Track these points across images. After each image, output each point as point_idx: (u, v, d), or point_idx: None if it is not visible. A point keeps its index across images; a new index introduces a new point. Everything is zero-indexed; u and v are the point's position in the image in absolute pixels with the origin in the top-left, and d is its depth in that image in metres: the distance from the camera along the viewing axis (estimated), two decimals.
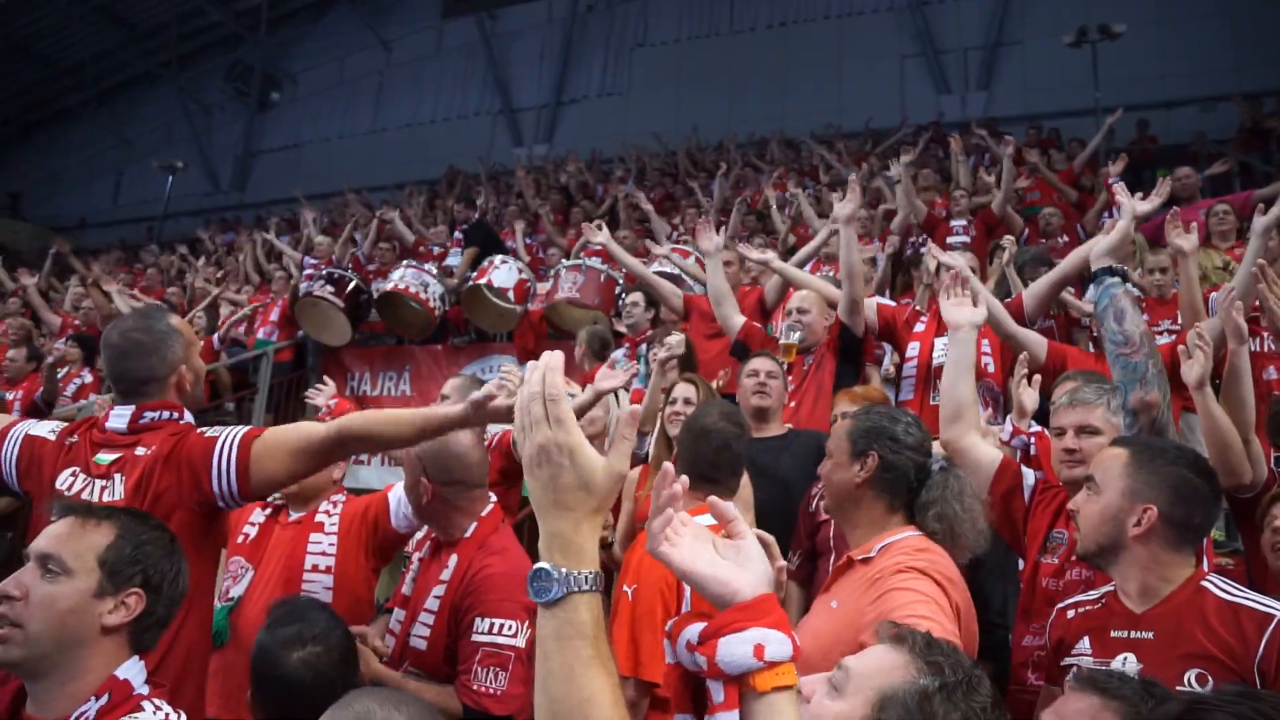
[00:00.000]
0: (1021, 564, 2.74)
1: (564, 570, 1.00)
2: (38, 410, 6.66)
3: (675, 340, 4.04)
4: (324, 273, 7.84)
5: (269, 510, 2.92)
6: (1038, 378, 3.31)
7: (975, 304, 2.67)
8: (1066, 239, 7.09)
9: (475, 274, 7.33)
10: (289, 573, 2.72)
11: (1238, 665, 1.72)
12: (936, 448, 2.22)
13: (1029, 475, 2.64)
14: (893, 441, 2.07)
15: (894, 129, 12.58)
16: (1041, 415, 3.15)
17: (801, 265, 5.44)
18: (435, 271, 7.59)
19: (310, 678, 1.90)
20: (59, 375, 6.83)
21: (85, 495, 2.12)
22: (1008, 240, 5.45)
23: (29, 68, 19.19)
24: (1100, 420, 2.48)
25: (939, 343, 4.16)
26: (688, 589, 2.25)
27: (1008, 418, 3.26)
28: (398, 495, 2.80)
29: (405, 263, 7.81)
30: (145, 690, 1.59)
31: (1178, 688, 1.68)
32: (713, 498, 1.17)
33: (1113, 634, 1.89)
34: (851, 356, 4.25)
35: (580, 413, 3.86)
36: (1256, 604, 1.79)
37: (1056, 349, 3.69)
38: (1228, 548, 4.07)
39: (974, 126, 10.71)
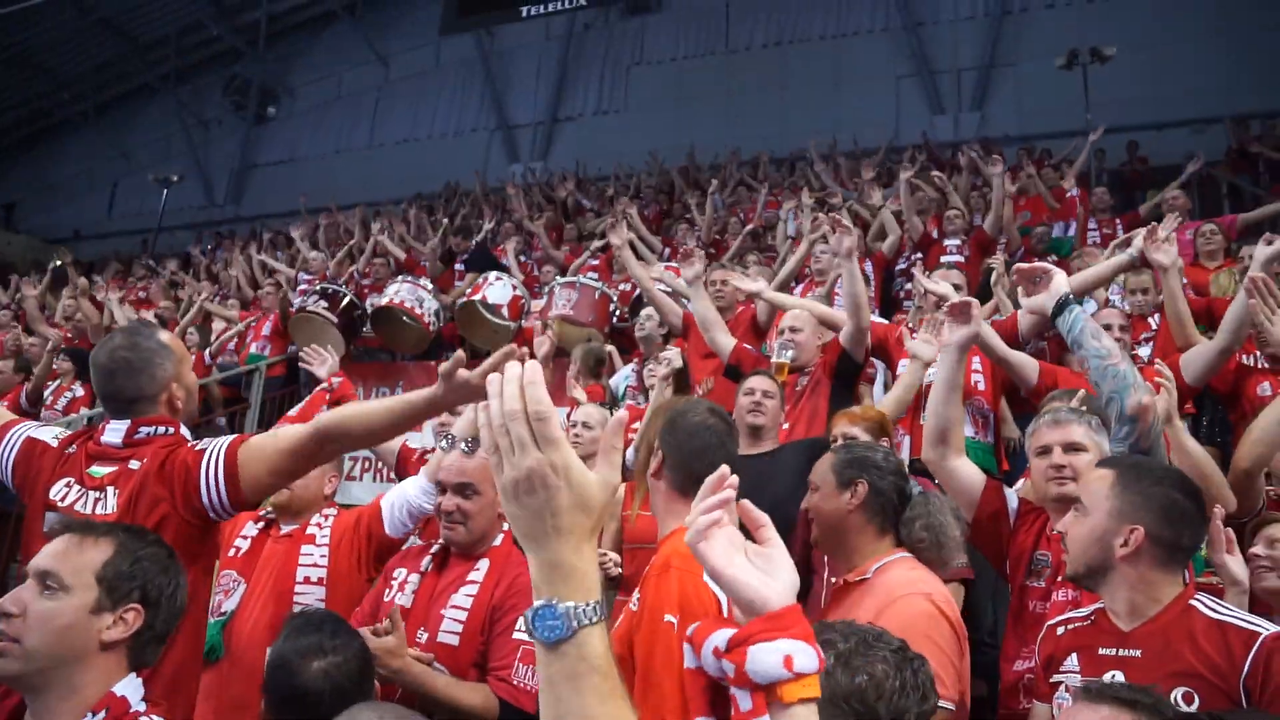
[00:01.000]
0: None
1: (571, 605, 0.93)
2: (23, 413, 6.69)
3: (673, 354, 4.07)
4: (318, 288, 7.85)
5: (261, 524, 2.92)
6: None
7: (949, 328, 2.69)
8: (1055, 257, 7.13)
9: (470, 290, 7.34)
10: (281, 586, 2.71)
11: (1225, 683, 1.73)
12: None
13: (1012, 498, 2.65)
14: (877, 469, 2.19)
15: (891, 148, 12.66)
16: None
17: (784, 285, 5.46)
18: (430, 287, 7.61)
19: (328, 688, 1.91)
20: (50, 387, 6.85)
21: (79, 507, 2.12)
22: (996, 261, 5.48)
23: (29, 79, 19.28)
24: (1082, 436, 2.49)
25: (933, 369, 4.18)
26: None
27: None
28: (390, 502, 2.81)
29: (400, 278, 7.83)
30: (143, 707, 1.60)
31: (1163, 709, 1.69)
32: (745, 501, 1.13)
33: (1101, 651, 1.90)
34: (847, 380, 4.25)
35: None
36: (1243, 623, 1.81)
37: (1048, 370, 3.71)
38: None
39: (963, 149, 10.80)
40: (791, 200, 9.19)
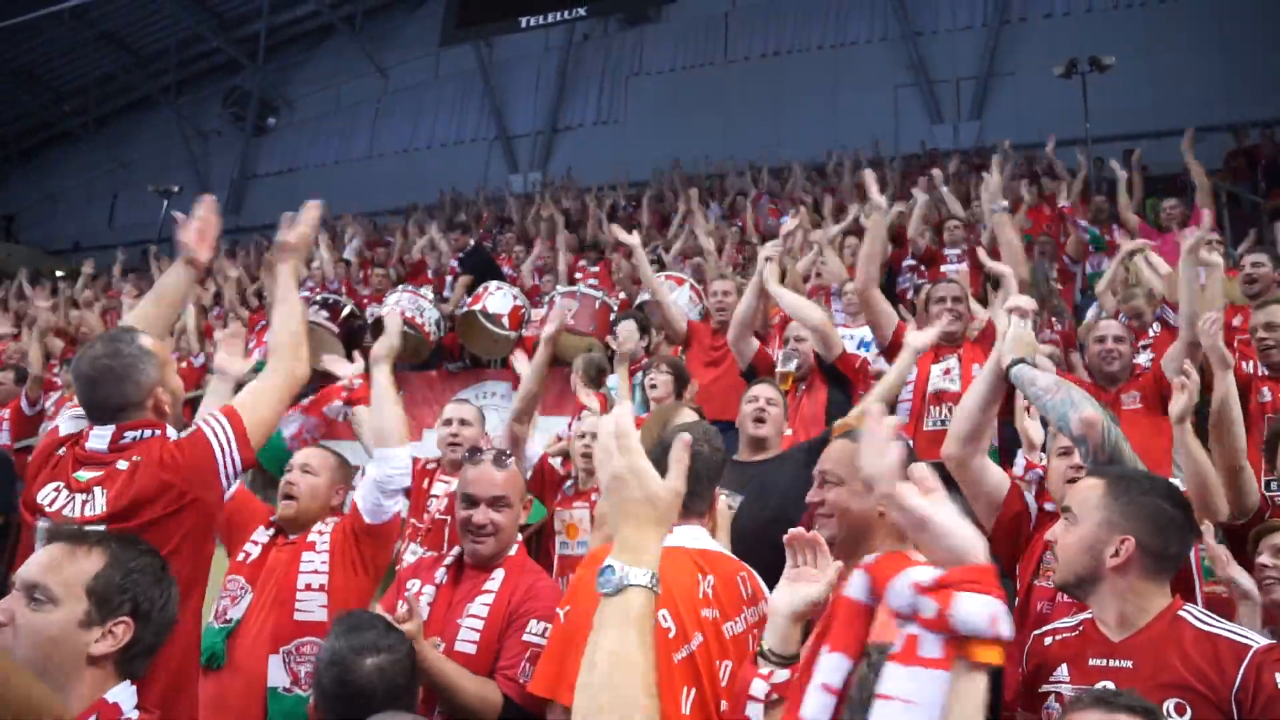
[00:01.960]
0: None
1: (625, 566, 1.16)
2: (25, 418, 6.71)
3: (691, 392, 4.14)
4: (318, 298, 7.84)
5: (271, 530, 2.92)
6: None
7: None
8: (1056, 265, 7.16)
9: (470, 300, 7.34)
10: (283, 594, 2.71)
11: (1215, 696, 1.73)
12: None
13: (1032, 502, 2.68)
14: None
15: (890, 158, 12.70)
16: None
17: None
18: (431, 297, 7.61)
19: (381, 685, 1.95)
20: (49, 402, 6.86)
21: (66, 511, 2.12)
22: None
23: (30, 92, 19.33)
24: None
25: (935, 369, 4.19)
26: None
27: (1019, 452, 3.27)
28: (359, 494, 2.82)
29: (401, 288, 7.83)
30: (135, 715, 1.57)
31: None
32: (917, 464, 1.15)
33: (1091, 662, 1.89)
34: (840, 383, 4.25)
35: None
36: (1234, 635, 1.81)
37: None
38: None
39: (970, 155, 10.83)
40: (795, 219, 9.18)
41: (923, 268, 7.19)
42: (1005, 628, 0.92)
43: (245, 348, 3.44)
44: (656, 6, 16.83)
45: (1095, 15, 14.16)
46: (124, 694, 1.58)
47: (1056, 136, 9.82)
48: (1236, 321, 4.61)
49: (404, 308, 7.38)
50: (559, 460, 4.25)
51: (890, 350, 4.34)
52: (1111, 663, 1.86)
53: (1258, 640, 1.78)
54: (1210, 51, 13.22)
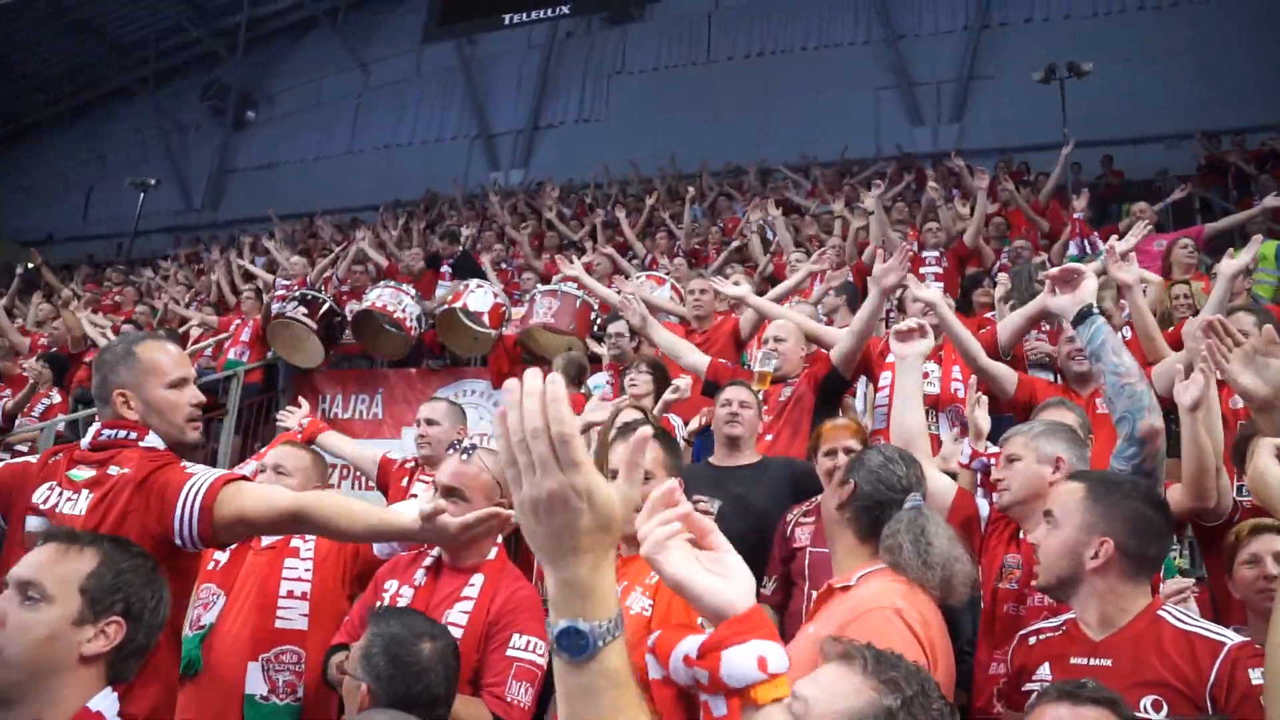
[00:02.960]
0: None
1: (595, 624, 0.93)
2: None
3: (684, 384, 4.11)
4: (296, 294, 7.78)
5: None
6: (986, 399, 3.35)
7: (935, 334, 2.72)
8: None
9: (450, 297, 7.31)
10: (264, 599, 2.68)
11: (1191, 692, 1.77)
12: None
13: (983, 505, 2.71)
14: (870, 472, 2.17)
15: (869, 160, 12.79)
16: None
17: (778, 301, 5.48)
18: (413, 293, 7.57)
19: (441, 669, 1.98)
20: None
21: (56, 508, 2.12)
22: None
23: (3, 81, 19.00)
24: (1019, 448, 2.52)
25: None
26: None
27: (965, 441, 3.31)
28: None
29: (383, 283, 7.79)
30: None
31: (1135, 714, 1.72)
32: (690, 510, 1.09)
33: (1072, 661, 1.93)
34: (832, 398, 4.26)
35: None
36: (1209, 633, 1.85)
37: (1026, 381, 3.75)
38: (1193, 575, 4.11)
39: (952, 156, 10.90)
40: (758, 211, 9.24)
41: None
42: (776, 663, 0.96)
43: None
44: (640, 5, 16.82)
45: (1074, 21, 14.30)
46: (106, 702, 1.58)
47: (1034, 140, 9.92)
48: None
49: (385, 302, 7.35)
50: None
51: (861, 363, 4.39)
52: (1092, 661, 1.90)
53: (1232, 637, 1.83)
54: (1189, 58, 13.40)
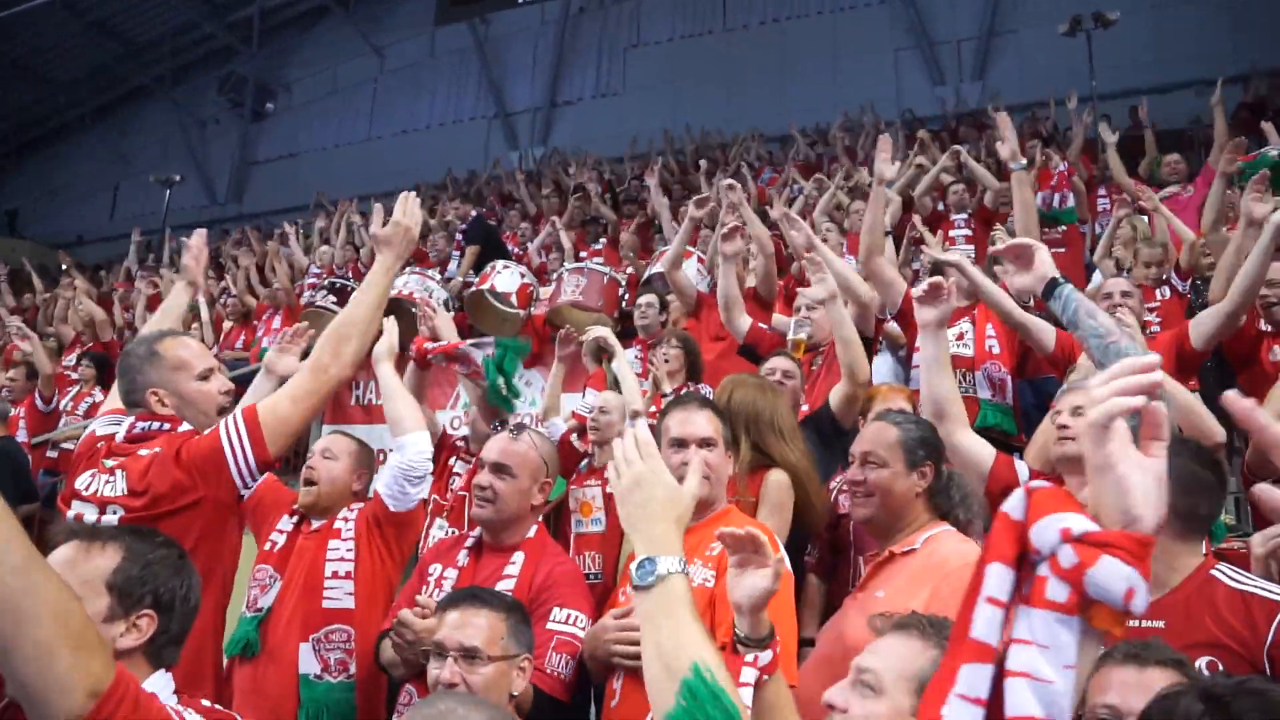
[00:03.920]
0: None
1: (661, 558, 1.28)
2: (40, 415, 6.78)
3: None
4: (326, 282, 7.84)
5: (296, 519, 2.94)
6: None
7: (972, 294, 2.70)
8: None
9: (478, 279, 7.33)
10: (311, 580, 2.73)
11: (1248, 653, 1.74)
12: None
13: (1023, 469, 2.67)
14: (937, 450, 2.26)
15: (892, 121, 12.60)
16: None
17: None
18: (439, 278, 7.59)
19: None
20: (66, 399, 6.96)
21: (96, 491, 2.24)
22: (1000, 232, 5.46)
23: (25, 86, 19.21)
24: (1084, 400, 2.47)
25: (949, 334, 4.15)
26: None
27: None
28: (382, 479, 2.81)
29: (409, 269, 7.80)
30: (174, 700, 1.56)
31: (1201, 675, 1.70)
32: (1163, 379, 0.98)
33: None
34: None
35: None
36: (1267, 592, 1.82)
37: (1065, 336, 3.68)
38: (1239, 532, 4.06)
39: (992, 109, 10.71)
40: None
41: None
42: (1139, 602, 0.87)
43: (300, 349, 3.46)
44: None
45: None
46: (160, 683, 1.59)
47: (1060, 95, 9.70)
48: None
49: (412, 289, 7.37)
50: (575, 437, 4.25)
51: (900, 316, 4.31)
52: (1145, 624, 1.88)
53: None
54: (1214, 2, 13.02)
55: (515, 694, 1.98)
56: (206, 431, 2.29)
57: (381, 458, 6.89)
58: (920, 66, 15.04)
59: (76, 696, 1.26)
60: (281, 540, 2.86)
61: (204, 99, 19.82)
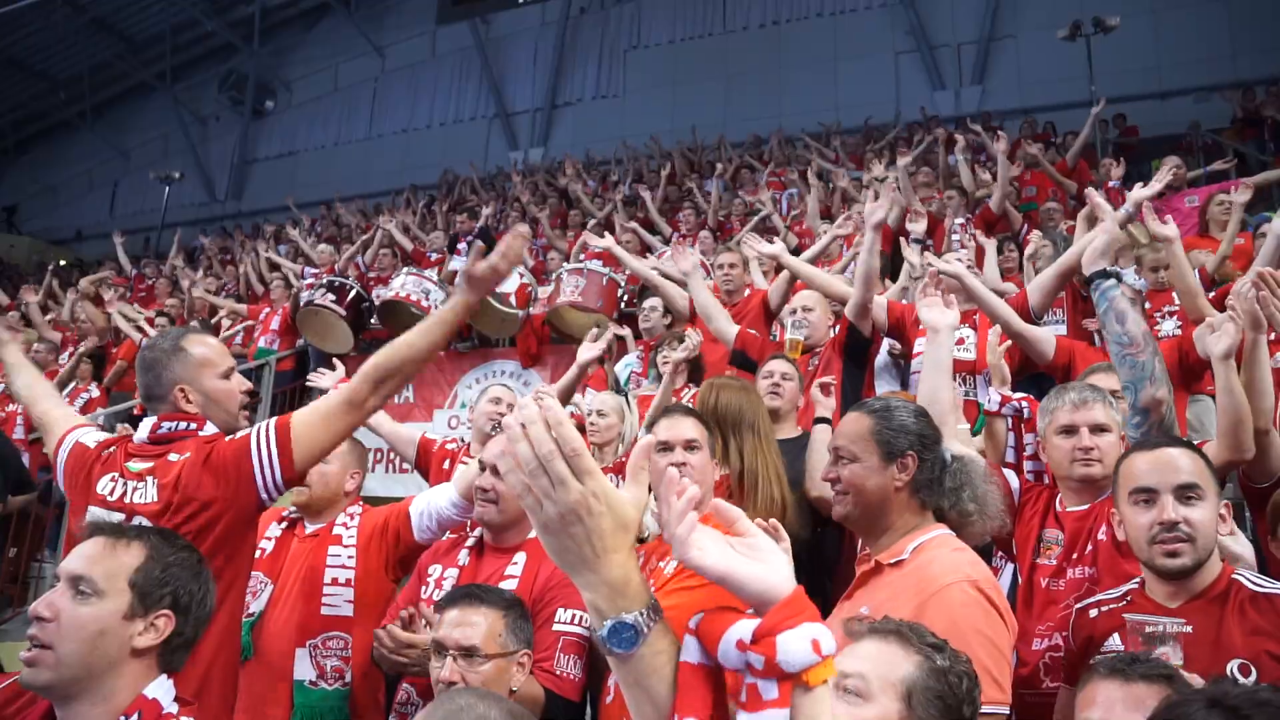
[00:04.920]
0: (1014, 567, 2.75)
1: (636, 615, 0.99)
2: None
3: (694, 342, 4.06)
4: (325, 281, 7.83)
5: (285, 524, 2.92)
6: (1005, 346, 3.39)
7: (957, 303, 2.69)
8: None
9: None
10: (309, 586, 2.71)
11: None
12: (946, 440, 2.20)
13: (1012, 478, 2.66)
14: (923, 439, 2.01)
15: (889, 125, 12.61)
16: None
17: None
18: (436, 278, 7.59)
19: None
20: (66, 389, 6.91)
21: (124, 497, 2.20)
22: (989, 242, 5.48)
23: (24, 82, 19.20)
24: (1105, 417, 2.47)
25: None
26: None
27: (990, 389, 3.27)
28: (419, 509, 2.77)
29: (406, 270, 7.80)
30: (174, 709, 1.58)
31: (1222, 680, 1.72)
32: (716, 499, 1.12)
33: (1149, 629, 1.92)
34: (858, 358, 4.23)
35: (564, 396, 3.93)
36: None
37: (1065, 345, 3.68)
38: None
39: (969, 121, 10.75)
40: (767, 191, 9.14)
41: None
42: (827, 645, 0.95)
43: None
44: None
45: None
46: (162, 688, 1.59)
47: (1060, 100, 9.72)
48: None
49: (409, 291, 7.37)
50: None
51: (893, 329, 4.33)
52: (1169, 622, 1.90)
53: None
54: (1217, 8, 13.05)
55: (515, 689, 1.98)
56: (236, 436, 2.27)
57: (378, 456, 6.97)
58: (920, 70, 15.05)
59: None
60: (270, 546, 2.84)
61: (204, 96, 19.82)
